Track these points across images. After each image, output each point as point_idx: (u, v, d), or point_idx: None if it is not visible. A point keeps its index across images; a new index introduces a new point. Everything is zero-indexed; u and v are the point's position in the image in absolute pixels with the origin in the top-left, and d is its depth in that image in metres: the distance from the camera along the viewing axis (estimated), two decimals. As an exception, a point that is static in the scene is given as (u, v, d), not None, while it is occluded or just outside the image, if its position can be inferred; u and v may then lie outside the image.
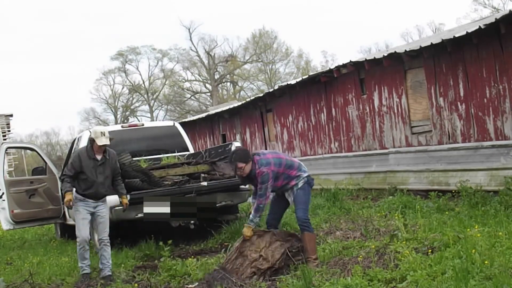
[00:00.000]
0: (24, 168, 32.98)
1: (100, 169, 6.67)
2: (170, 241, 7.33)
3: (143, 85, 53.14)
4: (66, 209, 10.70)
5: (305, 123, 15.00)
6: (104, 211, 6.80)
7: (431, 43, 9.98)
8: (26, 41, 75.80)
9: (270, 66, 50.47)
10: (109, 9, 74.88)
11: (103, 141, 6.61)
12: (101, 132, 6.69)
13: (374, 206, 9.53)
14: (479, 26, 8.94)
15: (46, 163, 11.09)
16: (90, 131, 10.33)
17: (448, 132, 10.32)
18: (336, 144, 13.73)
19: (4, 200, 9.96)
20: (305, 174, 6.13)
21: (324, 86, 13.88)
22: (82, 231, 6.57)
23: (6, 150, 10.67)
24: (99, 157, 6.68)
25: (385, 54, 11.39)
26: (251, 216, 6.01)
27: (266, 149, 17.37)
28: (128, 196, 8.20)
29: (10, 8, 73.91)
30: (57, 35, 75.72)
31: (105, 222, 6.76)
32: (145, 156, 9.91)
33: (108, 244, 6.75)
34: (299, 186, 6.08)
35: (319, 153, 14.44)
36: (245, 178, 6.14)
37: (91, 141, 6.66)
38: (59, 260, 8.35)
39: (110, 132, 10.25)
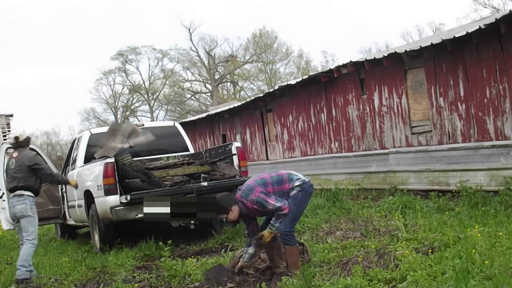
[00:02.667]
0: (24, 168, 32.93)
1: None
2: (170, 241, 7.33)
3: (143, 85, 53.09)
4: (66, 209, 10.73)
5: (305, 123, 15.00)
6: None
7: (431, 43, 9.98)
8: (26, 41, 75.90)
9: (270, 66, 50.44)
10: (109, 9, 74.95)
11: None
12: None
13: (374, 206, 9.53)
14: (479, 26, 8.94)
15: (46, 163, 11.08)
16: (90, 132, 10.39)
17: (448, 132, 10.32)
18: (336, 144, 13.73)
19: (4, 200, 9.95)
20: (298, 182, 5.57)
21: (324, 86, 13.88)
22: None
23: (6, 150, 10.67)
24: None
25: (385, 54, 11.39)
26: (272, 221, 5.49)
27: (266, 149, 17.37)
28: (128, 196, 8.24)
29: (9, 8, 73.92)
30: (57, 35, 75.79)
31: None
32: (145, 156, 9.91)
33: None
34: (291, 195, 5.55)
35: (319, 153, 14.44)
36: (241, 218, 5.65)
37: None
38: (59, 260, 8.35)
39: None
